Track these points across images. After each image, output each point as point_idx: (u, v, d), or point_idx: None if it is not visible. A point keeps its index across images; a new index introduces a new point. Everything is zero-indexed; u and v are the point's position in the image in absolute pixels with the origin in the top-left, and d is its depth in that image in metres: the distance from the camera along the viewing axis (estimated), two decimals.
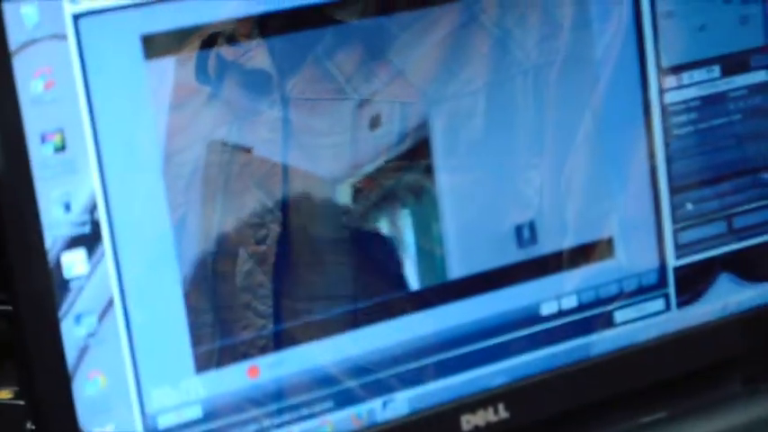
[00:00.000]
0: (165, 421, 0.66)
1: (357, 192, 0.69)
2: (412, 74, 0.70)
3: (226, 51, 0.65)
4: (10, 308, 0.97)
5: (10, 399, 1.13)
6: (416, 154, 0.69)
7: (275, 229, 0.68)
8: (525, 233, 0.75)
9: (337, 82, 0.69)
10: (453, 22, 0.71)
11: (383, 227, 0.71)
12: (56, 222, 0.61)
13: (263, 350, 0.69)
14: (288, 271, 0.69)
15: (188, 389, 0.67)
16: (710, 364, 0.83)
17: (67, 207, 0.61)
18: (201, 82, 0.64)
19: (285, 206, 0.68)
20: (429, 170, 0.71)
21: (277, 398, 0.69)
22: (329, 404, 0.70)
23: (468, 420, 0.74)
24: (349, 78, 0.69)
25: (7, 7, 0.59)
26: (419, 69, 0.71)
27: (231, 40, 0.66)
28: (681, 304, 0.80)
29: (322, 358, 0.71)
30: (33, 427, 1.25)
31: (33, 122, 0.60)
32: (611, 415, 0.80)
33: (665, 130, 0.80)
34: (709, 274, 0.82)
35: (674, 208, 0.79)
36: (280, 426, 0.71)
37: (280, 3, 0.68)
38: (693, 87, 0.78)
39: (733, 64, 0.81)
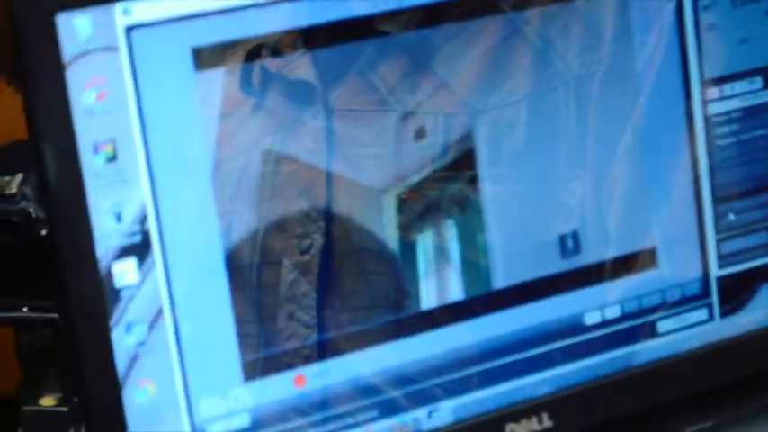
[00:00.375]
0: (213, 430, 0.65)
1: (402, 203, 0.67)
2: (456, 85, 0.68)
3: (270, 63, 0.64)
4: (54, 315, 0.96)
5: (54, 406, 1.11)
6: (461, 165, 0.68)
7: (319, 239, 0.66)
8: (569, 243, 0.73)
9: (381, 93, 0.68)
10: (497, 33, 0.69)
11: (428, 237, 0.70)
12: (107, 232, 0.59)
13: (309, 359, 0.67)
14: (332, 281, 0.67)
15: (236, 398, 0.66)
16: (754, 373, 0.81)
17: (119, 217, 0.60)
18: (247, 93, 0.63)
19: (329, 216, 0.66)
20: (473, 181, 0.69)
21: (322, 407, 0.68)
22: (374, 413, 0.68)
23: (512, 429, 0.72)
24: (392, 90, 0.67)
25: (61, 19, 0.59)
26: (463, 81, 0.69)
27: (276, 51, 0.65)
28: (724, 314, 0.78)
29: (367, 368, 0.69)
30: None
31: (85, 133, 0.59)
32: (655, 425, 0.78)
33: (708, 141, 0.77)
34: (752, 283, 0.79)
35: (716, 218, 0.77)
36: None
37: (324, 15, 0.66)
38: (736, 99, 0.76)
39: None
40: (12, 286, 1.10)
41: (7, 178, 1.11)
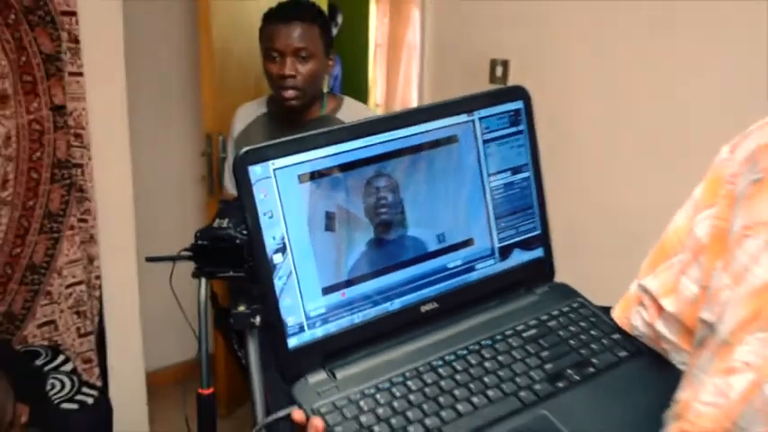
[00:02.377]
0: (312, 314, 0.89)
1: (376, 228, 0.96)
2: (398, 179, 0.93)
3: (324, 179, 0.88)
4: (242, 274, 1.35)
5: (245, 311, 1.52)
6: (399, 207, 0.95)
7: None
8: (442, 236, 0.97)
9: (369, 185, 0.92)
10: (405, 170, 0.94)
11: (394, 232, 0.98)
12: (271, 247, 0.85)
13: (344, 286, 0.91)
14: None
15: (319, 301, 0.90)
16: (512, 284, 1.03)
17: (274, 239, 0.86)
18: (316, 187, 0.88)
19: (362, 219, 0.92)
20: (404, 210, 0.94)
21: (350, 304, 0.91)
22: (370, 306, 0.93)
23: (423, 308, 0.96)
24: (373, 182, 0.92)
25: (250, 167, 0.84)
26: (400, 177, 0.92)
27: (325, 174, 0.88)
28: (501, 261, 1.02)
29: (367, 289, 0.93)
30: (258, 324, 1.56)
31: (261, 208, 0.85)
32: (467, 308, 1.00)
33: (491, 194, 1.00)
34: (510, 249, 1.02)
35: (497, 225, 1.02)
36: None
37: (345, 159, 0.89)
38: (499, 177, 1.00)
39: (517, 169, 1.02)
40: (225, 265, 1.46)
41: (224, 220, 1.47)
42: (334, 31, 4.84)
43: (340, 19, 4.90)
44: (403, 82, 5.16)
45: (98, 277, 2.85)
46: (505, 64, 2.75)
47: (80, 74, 2.65)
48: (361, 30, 5.26)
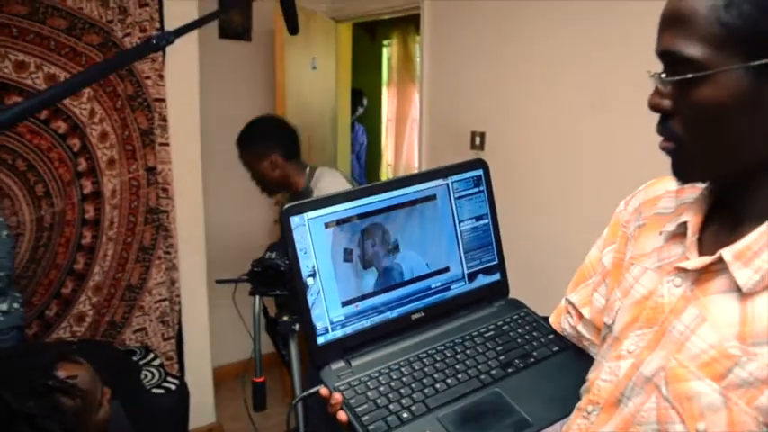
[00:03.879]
0: (335, 320, 0.93)
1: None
2: (394, 232, 0.96)
3: (345, 225, 0.93)
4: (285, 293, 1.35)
5: (288, 320, 1.52)
6: (395, 246, 0.98)
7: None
8: (429, 266, 1.00)
9: (380, 227, 0.95)
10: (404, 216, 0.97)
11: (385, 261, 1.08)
12: (305, 273, 0.90)
13: (357, 300, 0.95)
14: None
15: (338, 312, 0.94)
16: (477, 299, 1.05)
17: (308, 268, 0.90)
18: (340, 231, 0.92)
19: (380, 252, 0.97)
20: (398, 248, 0.96)
21: (363, 312, 0.95)
22: (375, 314, 0.96)
23: (414, 316, 0.99)
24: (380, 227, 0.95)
25: (291, 218, 0.89)
26: (397, 227, 0.95)
27: (347, 221, 0.93)
28: (469, 282, 1.04)
29: (372, 302, 0.95)
30: (297, 330, 1.57)
31: (299, 245, 0.90)
32: (444, 316, 1.02)
33: (461, 235, 1.02)
34: (476, 275, 1.04)
35: (465, 256, 1.04)
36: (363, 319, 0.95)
37: (362, 210, 0.93)
38: (467, 223, 1.03)
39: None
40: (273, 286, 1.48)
41: (272, 252, 1.51)
42: (360, 110, 4.93)
43: (365, 101, 4.96)
44: (407, 147, 5.23)
45: (178, 295, 2.90)
46: (482, 135, 2.79)
47: (167, 144, 2.72)
48: (377, 108, 5.33)
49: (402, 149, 5.29)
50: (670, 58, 0.65)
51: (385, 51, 5.32)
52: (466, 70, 2.84)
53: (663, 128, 0.69)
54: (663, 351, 0.69)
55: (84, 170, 2.54)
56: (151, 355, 2.30)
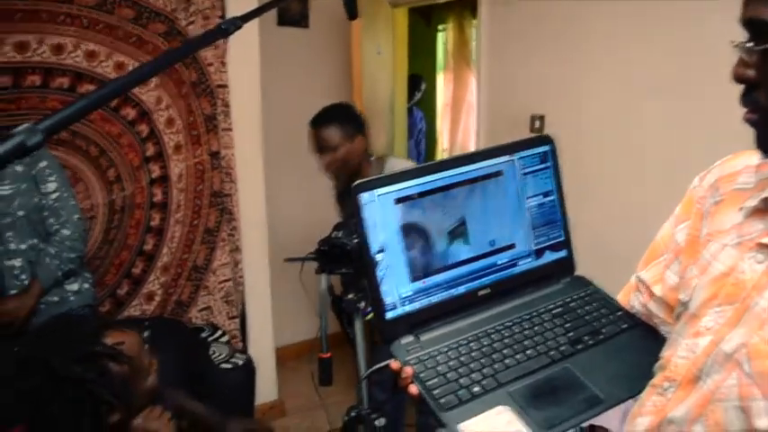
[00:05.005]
0: (403, 296, 0.92)
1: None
2: (462, 208, 0.95)
3: (412, 201, 0.91)
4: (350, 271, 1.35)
5: (353, 298, 1.52)
6: (461, 226, 0.96)
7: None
8: (494, 242, 0.99)
9: (442, 206, 0.94)
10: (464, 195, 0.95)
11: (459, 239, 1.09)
12: (374, 249, 0.89)
13: (423, 276, 0.93)
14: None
15: (408, 287, 0.93)
16: (543, 276, 1.03)
17: (378, 243, 0.90)
18: (408, 207, 0.91)
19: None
20: (466, 229, 0.96)
21: (427, 289, 0.94)
22: (442, 289, 0.95)
23: (480, 292, 0.97)
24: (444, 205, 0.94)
25: (360, 194, 0.89)
26: (461, 205, 0.94)
27: (410, 198, 0.91)
28: (537, 258, 1.02)
29: (441, 278, 0.94)
30: (362, 308, 1.59)
31: (367, 218, 0.89)
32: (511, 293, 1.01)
33: (528, 210, 1.01)
34: (542, 252, 1.02)
35: (533, 233, 1.01)
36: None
37: (426, 187, 0.93)
38: (533, 200, 1.01)
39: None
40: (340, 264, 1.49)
41: (339, 232, 1.53)
42: (418, 95, 4.90)
43: (423, 86, 4.93)
44: (462, 132, 5.19)
45: (241, 276, 2.95)
46: (542, 118, 2.75)
47: (230, 129, 2.77)
48: (432, 93, 5.30)
49: (457, 134, 5.25)
50: (755, 27, 0.63)
51: (440, 36, 5.27)
52: (524, 52, 2.79)
53: (747, 99, 0.66)
54: (744, 328, 0.67)
55: (152, 155, 2.60)
56: (219, 332, 2.35)
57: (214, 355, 2.16)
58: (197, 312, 2.84)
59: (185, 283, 2.79)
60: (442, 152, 5.37)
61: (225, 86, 2.68)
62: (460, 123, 5.20)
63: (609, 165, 2.53)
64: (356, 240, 1.66)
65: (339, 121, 2.25)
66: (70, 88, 2.37)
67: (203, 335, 2.29)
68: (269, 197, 2.95)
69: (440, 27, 5.24)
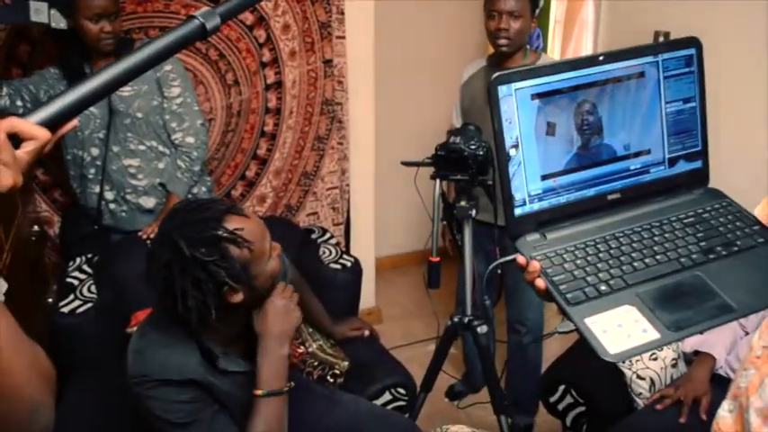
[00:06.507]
0: (532, 193, 0.93)
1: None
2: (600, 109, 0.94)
3: (551, 99, 0.91)
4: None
5: (465, 205, 1.57)
6: (598, 126, 0.95)
7: None
8: (630, 147, 0.97)
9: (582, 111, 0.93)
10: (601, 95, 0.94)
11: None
12: (507, 150, 0.89)
13: (557, 175, 0.93)
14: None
15: (538, 185, 0.93)
16: (675, 185, 1.00)
17: (512, 140, 0.89)
18: (542, 104, 0.90)
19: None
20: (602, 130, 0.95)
21: (559, 189, 0.93)
22: (572, 190, 0.95)
23: (610, 196, 0.96)
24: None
25: (499, 87, 0.87)
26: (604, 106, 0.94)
27: (548, 95, 0.90)
28: (669, 167, 1.00)
29: (574, 181, 0.94)
30: (473, 215, 1.58)
31: (506, 131, 0.89)
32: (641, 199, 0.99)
33: (666, 116, 0.98)
34: (676, 161, 1.00)
35: (668, 140, 0.99)
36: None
37: (567, 84, 0.91)
38: (672, 105, 0.98)
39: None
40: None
41: (456, 137, 1.51)
42: (536, 11, 4.70)
43: (541, 1, 4.71)
44: (573, 51, 4.96)
45: (347, 185, 3.02)
46: (667, 35, 2.60)
47: (343, 37, 2.77)
48: (546, 9, 5.07)
49: (567, 54, 5.03)
50: None
51: None
52: None
53: None
54: None
55: (267, 60, 2.64)
56: (327, 235, 2.43)
57: (323, 255, 2.24)
58: (305, 217, 2.94)
59: (295, 188, 2.89)
60: None
61: None
62: (571, 42, 4.96)
63: (740, 87, 2.37)
64: (473, 147, 1.66)
65: None
66: None
67: (313, 236, 2.37)
68: (378, 107, 2.96)
69: None
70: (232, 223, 1.26)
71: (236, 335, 1.38)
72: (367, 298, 3.18)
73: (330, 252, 2.31)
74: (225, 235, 1.23)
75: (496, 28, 2.11)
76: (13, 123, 0.61)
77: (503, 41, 2.11)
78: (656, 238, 0.94)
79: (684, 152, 1.02)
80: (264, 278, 1.32)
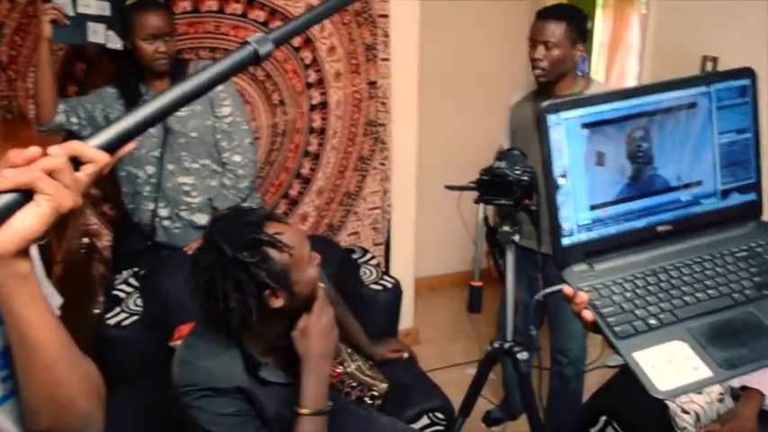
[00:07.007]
0: (581, 223, 0.90)
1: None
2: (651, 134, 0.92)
3: (600, 128, 0.89)
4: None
5: (508, 230, 1.61)
6: (646, 155, 0.92)
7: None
8: (681, 178, 0.94)
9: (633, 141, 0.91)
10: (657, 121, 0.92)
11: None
12: (557, 181, 0.86)
13: (604, 206, 0.91)
14: None
15: (587, 215, 0.91)
16: (731, 215, 0.97)
17: (561, 174, 0.87)
18: (591, 134, 0.88)
19: None
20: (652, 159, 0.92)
21: (607, 220, 0.91)
22: (623, 220, 0.92)
23: (659, 228, 0.94)
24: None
25: (548, 116, 0.85)
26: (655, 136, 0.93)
27: (598, 124, 0.88)
28: (722, 199, 0.97)
29: (623, 209, 0.92)
30: (517, 241, 1.57)
31: (555, 160, 0.87)
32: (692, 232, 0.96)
33: (719, 148, 0.95)
34: (729, 192, 0.97)
35: (721, 172, 0.96)
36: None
37: (617, 114, 0.89)
38: (727, 136, 0.95)
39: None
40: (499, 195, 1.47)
41: (501, 162, 1.51)
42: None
43: (589, 25, 4.68)
44: (617, 75, 4.93)
45: (389, 205, 3.02)
46: (715, 60, 2.55)
47: (388, 59, 2.79)
48: (590, 32, 5.03)
49: (611, 78, 4.99)
50: None
51: None
52: None
53: None
54: None
55: (313, 81, 2.68)
56: (368, 255, 2.43)
57: (364, 276, 2.24)
58: (346, 236, 2.96)
59: (337, 208, 2.90)
60: None
61: (386, 16, 2.70)
62: (615, 65, 4.93)
63: None
64: (518, 172, 1.65)
65: (568, 20, 2.13)
66: (242, 14, 2.46)
67: (354, 256, 2.38)
68: (421, 129, 2.97)
69: None
70: (272, 228, 1.31)
71: (276, 345, 1.40)
72: (405, 319, 3.17)
73: (371, 273, 2.31)
74: (265, 239, 1.28)
75: (532, 57, 2.12)
76: (75, 147, 0.63)
77: (537, 71, 2.11)
78: (707, 272, 0.91)
79: (737, 184, 0.99)
80: (304, 284, 1.34)
